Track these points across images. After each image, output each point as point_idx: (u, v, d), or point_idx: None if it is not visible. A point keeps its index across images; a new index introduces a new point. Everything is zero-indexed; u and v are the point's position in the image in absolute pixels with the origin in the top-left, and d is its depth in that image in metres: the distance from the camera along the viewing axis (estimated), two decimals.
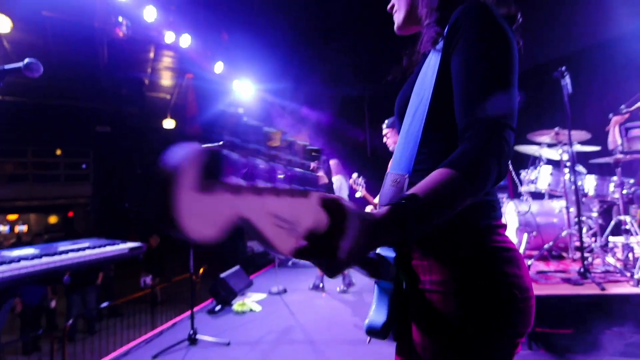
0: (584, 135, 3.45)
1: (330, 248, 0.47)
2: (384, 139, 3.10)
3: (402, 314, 0.77)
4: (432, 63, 0.81)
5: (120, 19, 5.52)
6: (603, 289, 2.59)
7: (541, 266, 3.39)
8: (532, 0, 4.40)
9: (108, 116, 12.70)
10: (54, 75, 8.26)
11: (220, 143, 0.35)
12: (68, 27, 6.88)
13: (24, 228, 15.37)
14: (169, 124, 11.66)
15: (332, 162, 5.15)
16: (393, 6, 0.95)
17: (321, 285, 5.14)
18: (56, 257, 1.35)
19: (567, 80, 2.88)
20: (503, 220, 0.80)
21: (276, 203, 0.39)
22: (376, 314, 0.75)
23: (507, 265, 0.73)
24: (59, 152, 14.32)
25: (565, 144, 3.39)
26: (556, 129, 3.39)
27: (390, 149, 3.01)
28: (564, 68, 2.84)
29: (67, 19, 6.72)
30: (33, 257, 1.31)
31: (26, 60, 1.05)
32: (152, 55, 8.69)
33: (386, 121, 3.06)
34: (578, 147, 3.47)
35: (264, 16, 6.04)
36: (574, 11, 4.67)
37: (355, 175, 3.58)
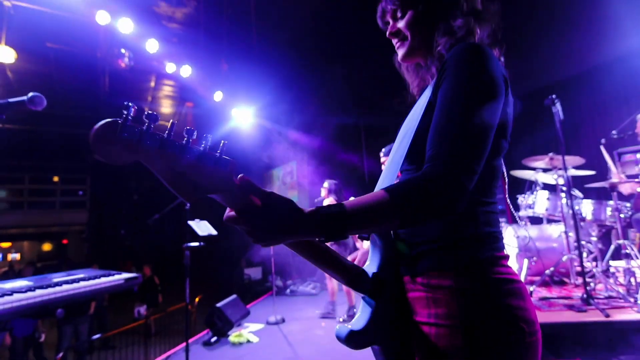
0: (578, 160, 3.50)
1: (251, 220, 0.61)
2: (382, 167, 3.13)
3: (385, 331, 0.79)
4: (424, 98, 0.84)
5: (122, 50, 5.69)
6: (607, 315, 2.54)
7: (544, 292, 3.34)
8: (521, 30, 4.60)
9: None
10: (55, 103, 8.38)
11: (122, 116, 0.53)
12: (71, 57, 7.05)
13: (16, 256, 15.08)
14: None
15: (327, 184, 5.12)
16: (397, 32, 0.93)
17: (332, 312, 4.97)
18: (50, 290, 1.32)
19: (558, 107, 2.95)
20: (505, 251, 0.80)
21: (177, 162, 0.56)
22: (356, 322, 0.77)
23: (512, 297, 0.72)
24: (56, 178, 14.29)
25: (560, 169, 3.44)
26: (550, 154, 3.44)
27: None
28: (554, 96, 2.91)
29: (70, 50, 6.90)
30: (27, 290, 1.28)
31: (30, 94, 1.07)
32: (152, 84, 8.87)
33: (383, 149, 3.11)
34: (573, 172, 3.51)
35: (263, 46, 6.24)
36: (563, 40, 4.86)
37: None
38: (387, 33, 0.96)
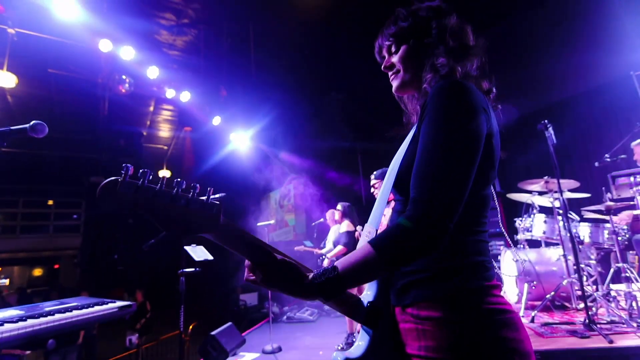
0: (573, 183, 3.53)
1: (261, 279, 0.73)
2: (372, 190, 3.16)
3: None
4: (410, 134, 0.88)
5: (123, 76, 5.79)
6: (611, 341, 2.50)
7: (545, 317, 3.28)
8: (513, 56, 4.76)
9: (103, 167, 12.78)
10: (53, 127, 8.42)
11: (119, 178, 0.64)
12: (72, 82, 7.17)
13: (5, 282, 14.67)
14: (164, 174, 11.74)
15: (329, 213, 5.14)
16: (391, 66, 0.97)
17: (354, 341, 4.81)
18: (42, 320, 1.28)
19: (550, 132, 3.01)
20: (497, 280, 0.81)
21: (168, 209, 0.67)
22: (354, 351, 0.79)
23: (505, 329, 0.70)
24: (50, 202, 14.16)
25: (555, 192, 3.46)
26: (545, 177, 3.48)
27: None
28: (546, 121, 2.98)
29: (71, 75, 7.02)
30: (18, 320, 1.24)
31: (32, 122, 1.08)
32: (151, 109, 8.99)
33: (375, 172, 3.13)
34: (568, 195, 3.54)
35: (261, 72, 6.39)
36: (553, 65, 5.02)
37: (359, 228, 3.59)
38: (382, 67, 1.00)
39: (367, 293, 0.84)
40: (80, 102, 8.11)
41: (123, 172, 0.64)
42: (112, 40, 5.11)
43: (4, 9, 4.56)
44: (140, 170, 0.66)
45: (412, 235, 0.67)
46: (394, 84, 0.98)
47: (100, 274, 11.96)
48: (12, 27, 5.08)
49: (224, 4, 5.33)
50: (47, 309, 1.41)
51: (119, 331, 7.42)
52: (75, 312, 1.40)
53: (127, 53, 5.26)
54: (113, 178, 0.64)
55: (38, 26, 5.08)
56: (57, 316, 1.33)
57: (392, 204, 0.94)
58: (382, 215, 0.89)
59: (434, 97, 0.77)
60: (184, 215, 0.68)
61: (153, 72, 5.57)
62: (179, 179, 0.68)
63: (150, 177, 0.66)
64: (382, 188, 0.91)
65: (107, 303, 1.56)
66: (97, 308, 1.48)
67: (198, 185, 0.70)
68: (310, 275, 0.73)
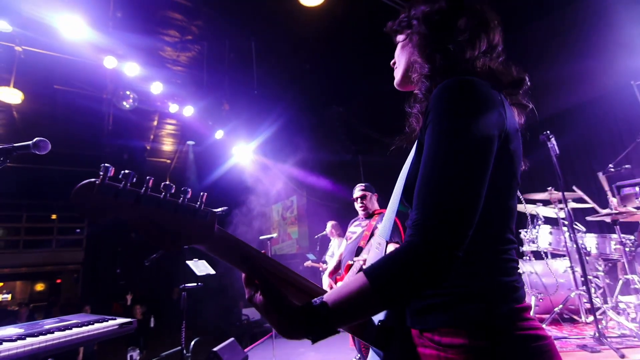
0: (577, 193, 3.50)
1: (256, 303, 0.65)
2: (356, 204, 3.06)
3: None
4: (416, 142, 0.80)
5: (127, 92, 5.87)
6: (622, 356, 2.43)
7: (554, 331, 3.21)
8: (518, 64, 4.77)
9: None
10: (57, 142, 8.50)
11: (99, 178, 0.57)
12: (77, 98, 7.27)
13: (7, 297, 14.58)
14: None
15: (330, 224, 5.12)
16: (395, 62, 0.94)
17: None
18: (42, 338, 1.26)
19: (553, 142, 3.00)
20: (527, 301, 0.72)
21: (154, 215, 0.59)
22: None
23: (541, 358, 0.63)
24: (54, 216, 14.19)
25: (560, 201, 3.43)
26: (549, 188, 3.45)
27: (360, 214, 3.01)
28: (548, 132, 2.97)
29: (76, 91, 7.13)
30: (17, 339, 1.22)
31: (35, 139, 1.09)
32: (155, 123, 9.08)
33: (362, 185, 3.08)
34: (573, 205, 3.50)
35: (263, 86, 6.46)
36: (554, 75, 5.04)
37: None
38: (391, 64, 0.96)
39: None
40: (85, 118, 8.20)
41: (102, 172, 0.56)
42: (117, 57, 5.20)
43: None
44: (123, 172, 0.58)
45: (412, 266, 0.58)
46: (395, 79, 0.93)
47: (102, 289, 11.89)
48: (19, 44, 5.19)
49: (226, 21, 5.43)
50: (46, 326, 1.38)
51: (119, 347, 7.32)
52: (75, 330, 1.38)
53: (132, 69, 5.35)
54: (89, 180, 0.56)
55: (44, 44, 5.19)
56: (57, 334, 1.31)
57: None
58: (392, 227, 0.81)
59: (435, 100, 0.68)
60: (172, 223, 0.60)
61: (157, 88, 5.65)
62: (167, 182, 0.61)
63: (134, 179, 0.59)
64: (393, 196, 0.84)
65: (107, 320, 1.54)
66: (97, 325, 1.46)
67: (189, 190, 0.62)
68: (294, 308, 0.62)
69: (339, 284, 2.54)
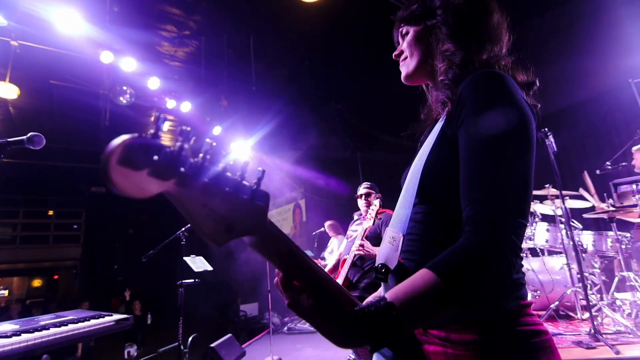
0: (574, 191, 3.52)
1: (302, 312, 0.54)
2: (359, 201, 3.02)
3: None
4: (435, 131, 0.78)
5: (124, 87, 5.83)
6: (617, 352, 2.45)
7: (550, 328, 3.23)
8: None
9: None
10: (54, 137, 8.48)
11: (149, 134, 0.41)
12: (73, 93, 7.22)
13: (5, 293, 14.56)
14: None
15: (327, 224, 5.11)
16: (401, 53, 0.90)
17: None
18: (37, 334, 1.25)
19: (551, 140, 3.01)
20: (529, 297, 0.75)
21: (212, 195, 0.45)
22: None
23: (543, 353, 0.65)
24: (51, 212, 14.14)
25: (557, 197, 3.44)
26: (547, 186, 3.46)
27: (362, 211, 2.96)
28: (546, 129, 2.97)
29: (73, 87, 7.08)
30: (12, 335, 1.21)
31: (29, 134, 1.08)
32: (152, 119, 9.03)
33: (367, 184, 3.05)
34: (570, 202, 3.52)
35: (261, 82, 6.43)
36: (553, 73, 5.05)
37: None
38: (394, 55, 0.92)
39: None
40: (81, 113, 8.15)
41: (155, 126, 0.41)
42: (114, 52, 5.16)
43: None
44: (180, 128, 0.43)
45: (486, 260, 0.56)
46: (402, 72, 0.90)
47: (100, 285, 11.88)
48: (15, 39, 5.13)
49: (224, 16, 5.39)
50: (42, 322, 1.38)
51: (116, 343, 7.32)
52: (71, 326, 1.38)
53: (129, 64, 5.31)
54: (135, 136, 0.39)
55: (40, 38, 5.14)
56: (52, 330, 1.30)
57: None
58: (408, 220, 0.77)
59: (472, 93, 0.67)
60: (230, 208, 0.47)
61: (154, 83, 5.61)
62: (226, 150, 0.49)
63: (191, 142, 0.44)
64: (404, 189, 0.81)
65: (103, 316, 1.54)
66: (93, 322, 1.46)
67: (248, 161, 0.51)
68: (354, 311, 0.55)
69: (338, 280, 2.54)
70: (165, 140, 0.42)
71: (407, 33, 0.88)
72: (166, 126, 9.59)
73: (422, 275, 0.56)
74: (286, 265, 0.56)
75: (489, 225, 0.58)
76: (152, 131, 0.41)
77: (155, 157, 0.40)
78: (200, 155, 0.45)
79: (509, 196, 0.60)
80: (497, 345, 0.64)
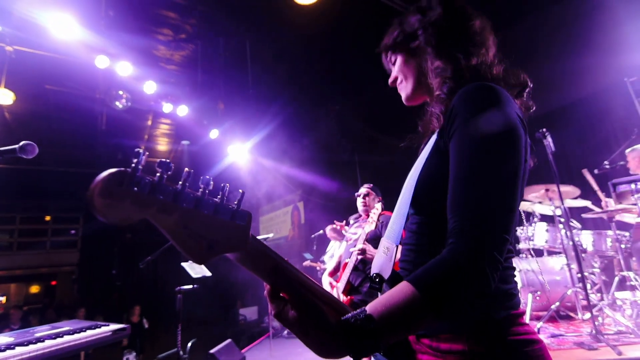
0: (573, 190, 3.51)
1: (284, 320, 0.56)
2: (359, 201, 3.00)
3: None
4: (430, 143, 0.79)
5: (120, 92, 5.81)
6: (619, 353, 2.44)
7: (551, 328, 3.22)
8: (510, 64, 4.77)
9: None
10: (51, 142, 8.43)
11: (131, 167, 0.45)
12: (69, 98, 7.18)
13: (2, 299, 14.45)
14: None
15: (328, 228, 5.08)
16: (395, 79, 0.92)
17: None
18: (32, 347, 1.22)
19: (549, 140, 3.00)
20: (522, 307, 0.74)
21: (191, 218, 0.50)
22: None
23: None
24: (48, 218, 14.05)
25: (557, 196, 3.44)
26: (546, 186, 3.45)
27: (360, 210, 2.93)
28: (544, 129, 2.97)
29: (69, 91, 7.04)
30: (6, 349, 1.18)
31: (21, 143, 1.06)
32: (149, 123, 9.00)
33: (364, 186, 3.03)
34: (569, 202, 3.51)
35: (258, 85, 6.42)
36: (549, 72, 5.05)
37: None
38: (389, 82, 0.95)
39: None
40: (78, 118, 8.11)
41: (135, 160, 0.45)
42: (110, 56, 5.14)
43: None
44: (160, 160, 0.47)
45: (464, 273, 0.56)
46: (402, 95, 0.93)
47: (98, 291, 11.80)
48: (10, 44, 5.10)
49: (220, 19, 5.38)
50: (37, 335, 1.35)
51: (116, 350, 7.27)
52: (66, 338, 1.35)
53: (125, 69, 5.28)
54: (118, 170, 0.44)
55: (36, 43, 5.11)
56: (48, 343, 1.28)
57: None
58: (402, 230, 0.79)
59: (461, 105, 0.68)
60: (209, 227, 0.51)
61: (150, 87, 5.59)
62: (204, 176, 0.52)
63: (171, 171, 0.48)
64: (399, 200, 0.83)
65: (100, 327, 1.51)
66: (89, 332, 1.43)
67: (227, 185, 0.54)
68: (335, 322, 0.56)
69: (340, 284, 2.52)
70: (145, 172, 0.47)
71: (395, 60, 0.91)
72: (163, 130, 9.57)
73: (401, 288, 0.57)
74: (271, 278, 0.59)
75: (470, 239, 0.58)
76: (133, 165, 0.45)
77: (135, 189, 0.45)
78: (180, 182, 0.49)
79: (491, 210, 0.60)
80: (486, 356, 0.65)
